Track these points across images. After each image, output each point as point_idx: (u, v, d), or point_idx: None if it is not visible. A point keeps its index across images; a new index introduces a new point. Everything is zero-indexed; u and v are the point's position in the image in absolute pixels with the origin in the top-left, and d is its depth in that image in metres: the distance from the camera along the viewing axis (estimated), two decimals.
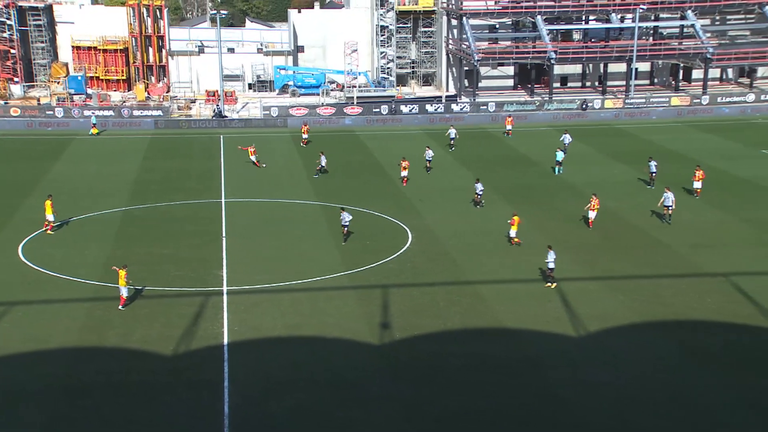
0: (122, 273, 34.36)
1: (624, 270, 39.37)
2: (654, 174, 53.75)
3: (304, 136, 70.46)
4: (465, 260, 40.89)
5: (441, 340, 32.21)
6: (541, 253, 38.13)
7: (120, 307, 34.55)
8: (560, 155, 58.50)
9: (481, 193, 49.59)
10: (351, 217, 43.45)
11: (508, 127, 72.89)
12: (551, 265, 36.42)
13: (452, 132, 67.92)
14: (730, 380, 28.81)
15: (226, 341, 32.03)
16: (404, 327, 33.20)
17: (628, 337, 32.43)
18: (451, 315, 34.41)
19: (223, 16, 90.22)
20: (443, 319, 34.04)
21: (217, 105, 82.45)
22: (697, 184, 50.93)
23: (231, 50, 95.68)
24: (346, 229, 43.24)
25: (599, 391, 28.19)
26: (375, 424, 26.39)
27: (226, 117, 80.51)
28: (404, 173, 55.29)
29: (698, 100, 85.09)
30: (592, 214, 44.61)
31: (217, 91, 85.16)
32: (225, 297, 36.43)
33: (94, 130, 74.78)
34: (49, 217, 44.78)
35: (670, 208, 45.67)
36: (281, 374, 29.58)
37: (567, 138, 64.24)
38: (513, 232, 42.14)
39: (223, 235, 45.15)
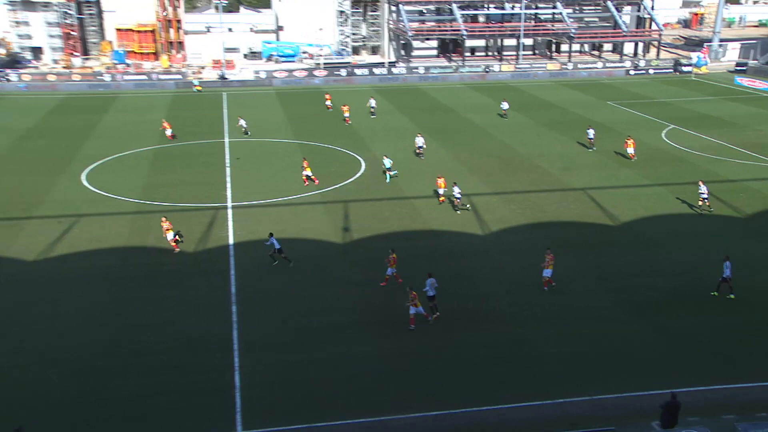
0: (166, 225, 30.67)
1: (515, 187, 39.36)
2: (592, 140, 47.19)
3: (328, 102, 61.44)
4: (405, 182, 40.42)
5: (386, 239, 31.99)
6: (460, 179, 37.73)
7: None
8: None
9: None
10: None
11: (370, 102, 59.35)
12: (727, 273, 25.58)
13: (372, 102, 59.31)
14: (586, 258, 29.17)
15: (231, 242, 31.54)
16: (359, 230, 32.96)
17: (518, 233, 32.64)
18: (394, 221, 34.17)
19: (224, 4, 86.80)
20: (388, 224, 33.81)
21: (221, 70, 79.44)
22: (630, 150, 44.12)
23: (230, 30, 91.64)
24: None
25: (498, 268, 28.40)
26: (336, 296, 26.26)
27: (227, 79, 77.59)
28: (346, 114, 55.77)
29: (566, 66, 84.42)
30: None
31: (220, 59, 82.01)
32: (230, 211, 35.68)
33: (198, 87, 72.70)
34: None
35: (706, 199, 34.45)
36: (270, 262, 29.21)
37: (505, 105, 58.31)
38: (441, 190, 36.85)
39: (227, 165, 44.00)
